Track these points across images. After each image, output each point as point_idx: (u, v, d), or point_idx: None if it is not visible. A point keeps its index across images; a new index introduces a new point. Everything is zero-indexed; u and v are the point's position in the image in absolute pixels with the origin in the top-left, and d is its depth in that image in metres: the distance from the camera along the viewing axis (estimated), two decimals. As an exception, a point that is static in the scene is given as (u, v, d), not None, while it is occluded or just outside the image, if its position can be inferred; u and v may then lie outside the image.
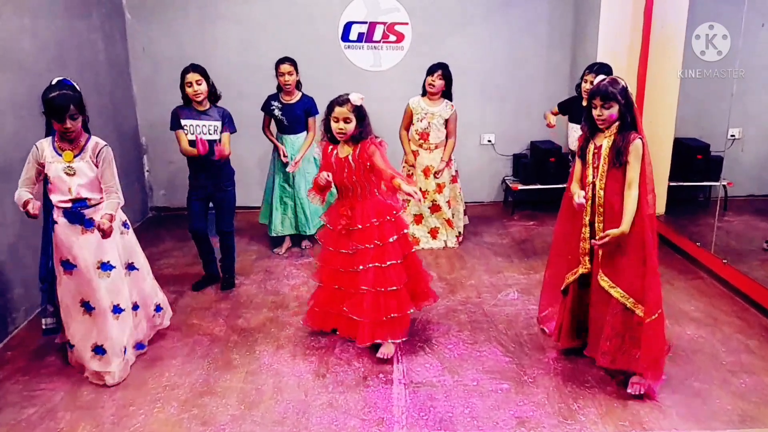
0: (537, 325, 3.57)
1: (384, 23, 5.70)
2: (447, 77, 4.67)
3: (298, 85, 4.55)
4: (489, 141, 6.04)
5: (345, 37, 5.72)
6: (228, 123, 3.95)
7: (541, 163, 5.65)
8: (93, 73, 4.79)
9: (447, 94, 4.74)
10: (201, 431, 2.67)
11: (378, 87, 5.61)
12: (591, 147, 2.94)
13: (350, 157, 3.17)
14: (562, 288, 3.18)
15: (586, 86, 4.17)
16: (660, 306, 2.85)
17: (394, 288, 3.22)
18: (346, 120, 3.11)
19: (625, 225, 2.77)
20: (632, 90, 5.16)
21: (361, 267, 3.21)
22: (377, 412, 2.79)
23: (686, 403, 2.83)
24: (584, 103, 4.22)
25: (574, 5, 5.77)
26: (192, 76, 3.80)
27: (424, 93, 4.73)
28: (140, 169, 5.84)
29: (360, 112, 3.14)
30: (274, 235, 4.83)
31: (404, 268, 3.29)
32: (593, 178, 2.90)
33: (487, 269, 4.51)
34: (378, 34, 5.72)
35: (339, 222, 3.26)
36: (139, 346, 3.29)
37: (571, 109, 4.58)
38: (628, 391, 2.88)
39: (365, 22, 5.69)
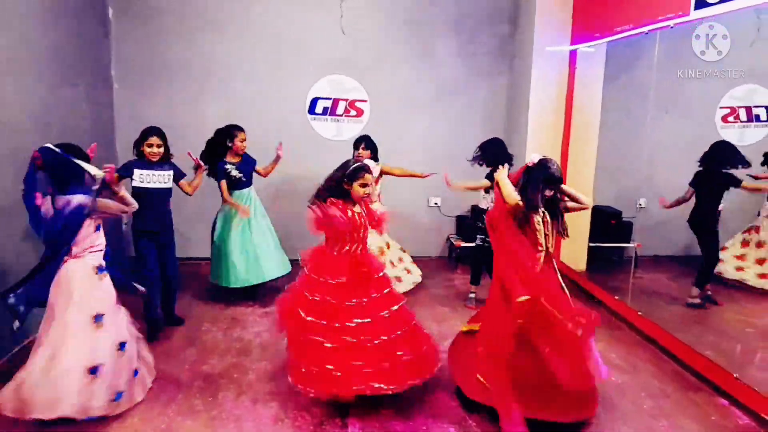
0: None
1: (346, 99, 5.67)
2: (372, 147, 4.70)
3: None
4: (435, 204, 5.99)
5: (311, 110, 5.65)
6: (178, 171, 3.92)
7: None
8: (76, 136, 4.47)
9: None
10: (159, 481, 2.35)
11: (339, 155, 5.47)
12: (538, 219, 2.91)
13: (362, 215, 3.02)
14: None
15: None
16: None
17: (407, 328, 2.96)
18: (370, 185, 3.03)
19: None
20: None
21: (386, 312, 2.90)
22: (333, 459, 2.54)
23: (616, 446, 2.69)
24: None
25: (507, 96, 5.87)
26: (155, 140, 3.73)
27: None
28: (119, 222, 5.50)
29: None
30: (239, 285, 4.31)
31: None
32: (546, 244, 2.94)
33: (434, 318, 4.34)
34: (341, 109, 5.67)
35: (360, 270, 2.91)
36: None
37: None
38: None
39: (330, 98, 5.64)
